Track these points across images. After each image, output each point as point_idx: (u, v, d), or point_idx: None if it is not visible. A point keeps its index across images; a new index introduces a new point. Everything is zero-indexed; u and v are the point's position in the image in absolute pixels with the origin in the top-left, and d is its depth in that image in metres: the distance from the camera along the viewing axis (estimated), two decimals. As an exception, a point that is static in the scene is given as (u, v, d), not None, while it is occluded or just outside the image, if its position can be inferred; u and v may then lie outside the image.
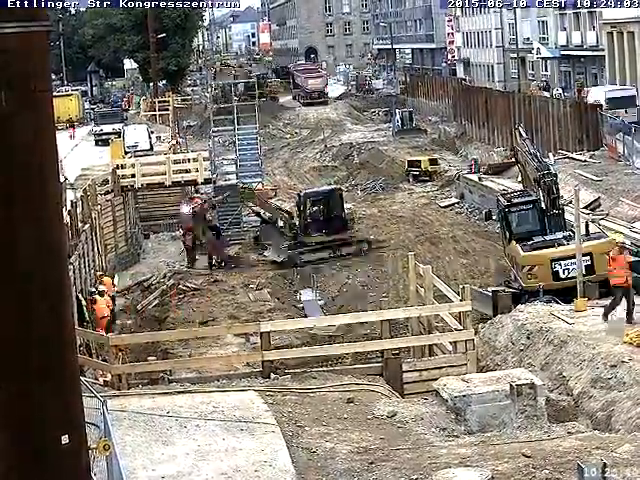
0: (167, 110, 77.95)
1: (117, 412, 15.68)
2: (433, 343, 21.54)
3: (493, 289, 27.65)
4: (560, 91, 65.12)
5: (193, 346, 28.24)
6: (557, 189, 28.35)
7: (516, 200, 28.78)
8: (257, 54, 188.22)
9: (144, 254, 44.65)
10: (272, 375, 19.11)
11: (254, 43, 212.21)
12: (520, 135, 31.34)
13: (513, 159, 37.02)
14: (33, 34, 8.28)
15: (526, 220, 28.31)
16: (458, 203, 50.08)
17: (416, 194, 54.37)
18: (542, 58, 72.00)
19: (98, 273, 35.50)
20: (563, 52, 67.39)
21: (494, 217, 32.43)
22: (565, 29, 67.35)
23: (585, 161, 46.24)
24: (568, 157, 48.46)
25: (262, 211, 44.85)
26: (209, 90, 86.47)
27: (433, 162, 59.43)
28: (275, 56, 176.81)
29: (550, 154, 49.12)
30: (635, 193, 37.86)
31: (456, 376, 18.18)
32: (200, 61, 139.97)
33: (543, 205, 27.99)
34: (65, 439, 8.57)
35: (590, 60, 63.60)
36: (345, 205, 41.87)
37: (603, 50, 58.63)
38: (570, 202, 31.66)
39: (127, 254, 43.25)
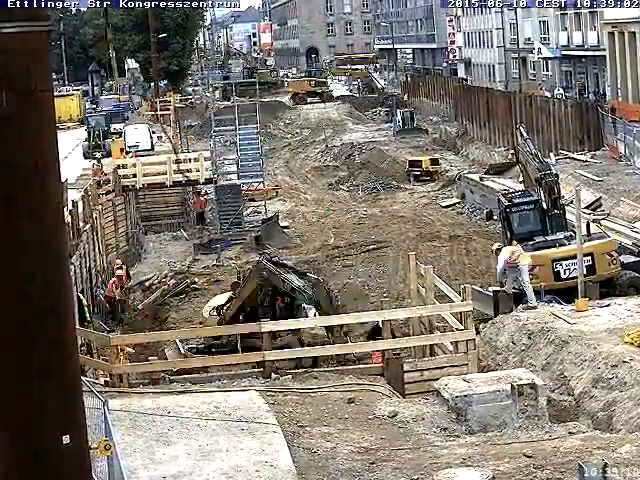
0: (168, 110, 77.95)
1: (118, 412, 15.68)
2: (434, 343, 21.54)
3: (494, 289, 27.61)
4: (561, 91, 65.12)
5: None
6: (558, 189, 28.32)
7: (517, 200, 28.74)
8: (258, 54, 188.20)
9: (145, 254, 44.67)
10: (273, 375, 19.11)
11: (255, 43, 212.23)
12: (521, 135, 31.31)
13: (514, 159, 37.04)
14: (33, 34, 8.25)
15: (527, 220, 28.28)
16: (459, 203, 50.10)
17: (417, 194, 54.40)
18: (543, 58, 71.97)
19: (117, 260, 37.61)
20: (564, 52, 67.34)
21: (495, 217, 32.41)
22: (566, 29, 67.30)
23: (586, 161, 46.27)
24: (569, 157, 48.49)
25: None
26: (210, 90, 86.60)
27: (434, 162, 59.47)
28: (276, 56, 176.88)
29: (551, 154, 49.17)
30: (636, 193, 37.87)
31: (457, 376, 18.18)
32: (202, 61, 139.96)
33: (544, 205, 27.97)
34: (66, 439, 8.55)
35: (591, 60, 63.56)
36: None
37: (604, 50, 58.55)
38: (571, 202, 31.64)
39: (128, 254, 43.26)
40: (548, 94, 64.93)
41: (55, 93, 11.36)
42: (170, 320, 32.89)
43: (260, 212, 48.81)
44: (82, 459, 8.89)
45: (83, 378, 10.44)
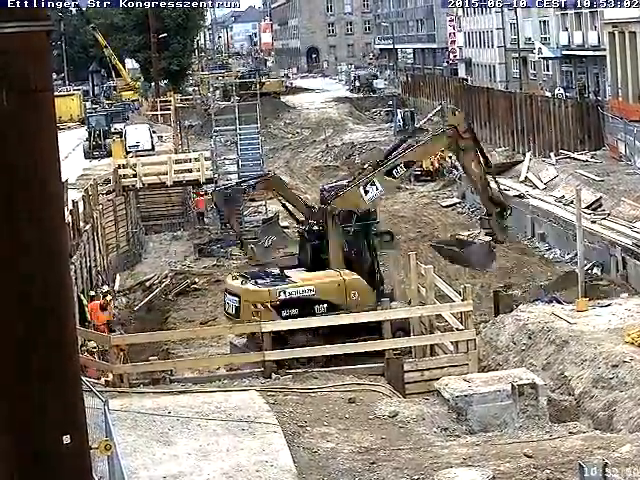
0: (169, 110, 77.97)
1: (119, 412, 15.67)
2: (435, 343, 21.53)
3: (494, 289, 27.61)
4: (562, 91, 65.10)
5: (195, 346, 28.27)
6: None
7: None
8: (258, 53, 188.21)
9: (146, 254, 44.66)
10: (273, 375, 19.11)
11: (256, 43, 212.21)
12: None
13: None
14: (33, 34, 8.25)
15: None
16: (460, 203, 50.08)
17: (418, 194, 54.37)
18: (544, 58, 71.93)
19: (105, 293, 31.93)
20: (565, 52, 67.31)
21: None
22: (567, 29, 67.26)
23: (586, 161, 46.29)
24: (570, 157, 48.50)
25: None
26: (210, 90, 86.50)
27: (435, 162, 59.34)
28: (277, 56, 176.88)
29: (551, 154, 49.22)
30: (636, 193, 37.88)
31: (458, 376, 18.17)
32: (203, 61, 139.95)
33: None
34: (67, 440, 8.55)
35: (592, 60, 63.52)
36: None
37: (605, 50, 58.53)
38: (571, 202, 31.64)
39: (129, 254, 43.26)
40: (549, 94, 64.92)
41: (55, 93, 11.34)
42: (170, 320, 32.90)
43: (260, 212, 48.77)
44: (82, 459, 8.89)
45: (83, 378, 10.44)
